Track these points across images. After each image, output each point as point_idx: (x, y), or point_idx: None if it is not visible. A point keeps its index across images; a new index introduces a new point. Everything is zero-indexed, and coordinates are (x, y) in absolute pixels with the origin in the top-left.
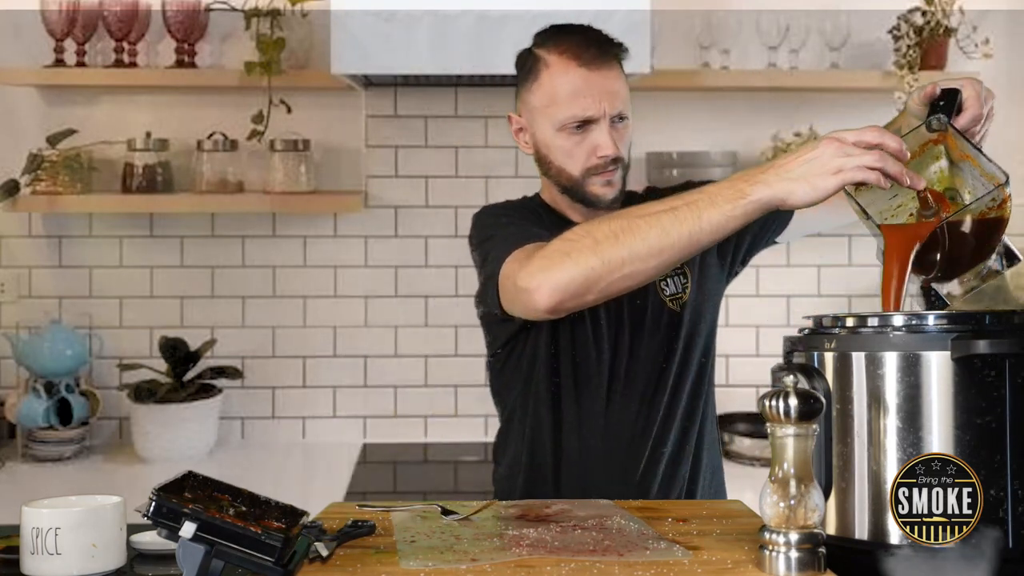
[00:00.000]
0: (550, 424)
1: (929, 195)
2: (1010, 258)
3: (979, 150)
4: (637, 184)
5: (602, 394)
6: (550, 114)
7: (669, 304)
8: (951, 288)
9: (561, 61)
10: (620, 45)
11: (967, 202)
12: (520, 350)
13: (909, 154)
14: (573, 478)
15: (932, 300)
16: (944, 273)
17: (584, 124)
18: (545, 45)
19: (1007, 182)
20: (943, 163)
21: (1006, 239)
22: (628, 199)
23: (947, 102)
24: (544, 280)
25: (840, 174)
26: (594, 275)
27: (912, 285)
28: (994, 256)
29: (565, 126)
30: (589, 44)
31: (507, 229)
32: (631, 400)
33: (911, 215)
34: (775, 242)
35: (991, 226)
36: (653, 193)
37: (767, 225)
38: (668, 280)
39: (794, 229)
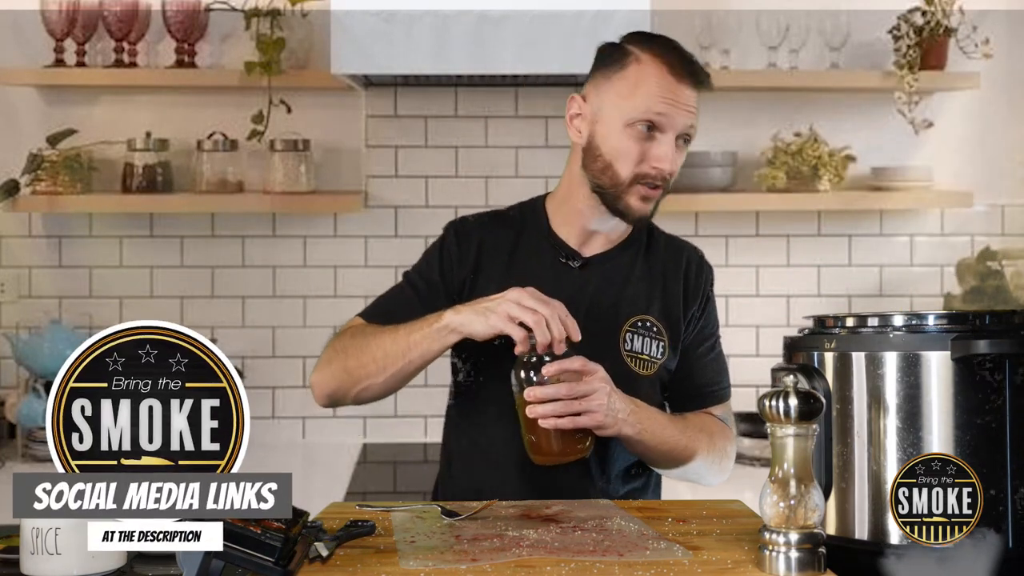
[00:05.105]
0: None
1: None
2: None
3: None
4: None
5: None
6: (627, 107)
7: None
8: None
9: (655, 62)
10: (708, 76)
11: None
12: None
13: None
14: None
15: None
16: None
17: (653, 128)
18: (640, 45)
19: None
20: None
21: None
22: (649, 235)
23: None
24: (317, 379)
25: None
26: (342, 385)
27: None
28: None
29: (635, 123)
30: (683, 61)
31: (392, 289)
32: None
33: None
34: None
35: None
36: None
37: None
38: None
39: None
